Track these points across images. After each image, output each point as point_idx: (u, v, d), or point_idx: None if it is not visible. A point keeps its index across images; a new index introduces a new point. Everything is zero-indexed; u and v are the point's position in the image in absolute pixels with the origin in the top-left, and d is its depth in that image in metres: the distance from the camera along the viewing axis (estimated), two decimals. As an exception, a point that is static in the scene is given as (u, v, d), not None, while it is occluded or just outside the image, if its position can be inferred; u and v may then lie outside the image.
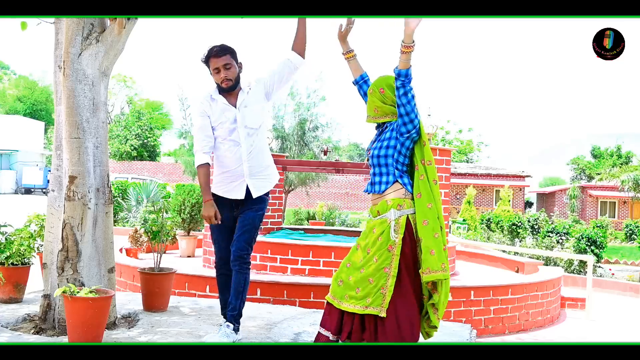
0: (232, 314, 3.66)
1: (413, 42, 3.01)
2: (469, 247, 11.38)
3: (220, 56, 3.64)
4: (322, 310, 3.40)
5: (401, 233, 3.16)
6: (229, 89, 3.70)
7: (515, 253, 11.10)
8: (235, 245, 3.66)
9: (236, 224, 3.74)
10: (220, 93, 3.74)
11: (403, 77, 3.08)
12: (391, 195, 3.23)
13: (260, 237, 7.44)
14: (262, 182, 3.76)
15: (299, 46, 3.78)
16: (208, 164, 3.71)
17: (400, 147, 3.23)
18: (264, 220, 3.84)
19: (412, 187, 3.22)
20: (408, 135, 3.18)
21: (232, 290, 3.68)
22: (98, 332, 3.34)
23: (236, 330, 3.67)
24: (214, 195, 3.73)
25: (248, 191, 3.73)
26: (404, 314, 3.10)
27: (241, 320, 3.69)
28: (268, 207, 8.24)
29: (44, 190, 32.71)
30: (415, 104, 3.13)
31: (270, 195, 3.92)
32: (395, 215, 3.18)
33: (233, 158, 3.72)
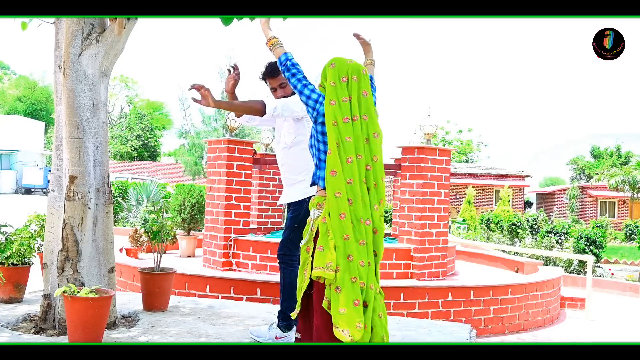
0: (278, 310, 3.76)
1: (271, 36, 3.24)
2: (469, 247, 11.38)
3: (276, 76, 3.77)
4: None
5: (313, 234, 2.96)
6: None
7: (515, 253, 11.10)
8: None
9: None
10: None
11: (280, 65, 3.20)
12: (317, 194, 3.06)
13: (260, 237, 7.46)
14: (290, 192, 3.84)
15: (251, 114, 3.70)
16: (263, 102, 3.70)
17: (317, 135, 3.06)
18: (297, 220, 3.78)
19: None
20: (316, 120, 3.06)
21: None
22: (98, 332, 3.34)
23: (283, 327, 3.70)
24: None
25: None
26: (325, 319, 2.92)
27: (241, 319, 3.68)
28: (267, 207, 8.33)
29: (44, 190, 32.73)
30: (303, 87, 3.07)
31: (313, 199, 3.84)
32: (314, 216, 3.01)
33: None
